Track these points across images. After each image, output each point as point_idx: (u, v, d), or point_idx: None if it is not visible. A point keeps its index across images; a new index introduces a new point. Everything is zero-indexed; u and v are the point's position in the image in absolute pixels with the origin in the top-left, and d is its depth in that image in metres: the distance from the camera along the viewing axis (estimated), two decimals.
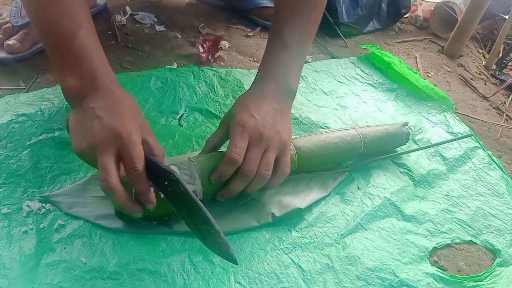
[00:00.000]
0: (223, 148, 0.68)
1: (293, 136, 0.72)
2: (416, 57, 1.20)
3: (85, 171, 0.72)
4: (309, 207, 0.72)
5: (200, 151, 0.71)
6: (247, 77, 0.98)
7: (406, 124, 0.84)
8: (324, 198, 0.74)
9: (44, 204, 0.66)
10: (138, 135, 0.58)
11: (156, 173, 0.58)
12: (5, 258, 0.58)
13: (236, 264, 0.57)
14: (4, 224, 0.62)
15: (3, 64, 0.91)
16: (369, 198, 0.76)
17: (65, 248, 0.60)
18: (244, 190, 0.66)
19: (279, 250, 0.65)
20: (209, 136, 0.71)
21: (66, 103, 0.81)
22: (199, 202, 0.57)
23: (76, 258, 0.60)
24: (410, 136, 0.84)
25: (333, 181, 0.77)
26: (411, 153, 0.85)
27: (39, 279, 0.57)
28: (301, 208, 0.70)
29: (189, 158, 0.68)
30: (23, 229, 0.62)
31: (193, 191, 0.68)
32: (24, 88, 0.88)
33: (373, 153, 0.81)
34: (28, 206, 0.65)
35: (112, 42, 1.05)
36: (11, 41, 0.90)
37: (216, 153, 0.69)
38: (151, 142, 0.61)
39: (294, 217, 0.70)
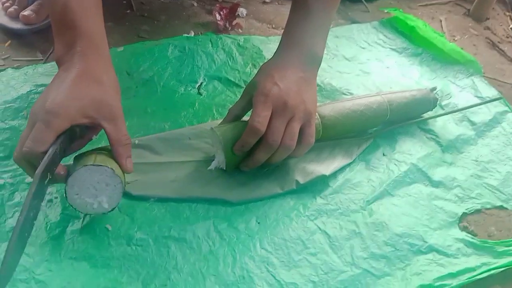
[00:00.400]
0: (246, 118, 0.66)
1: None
2: (441, 21, 1.15)
3: (106, 142, 0.71)
4: (334, 174, 0.71)
5: (221, 121, 0.70)
6: (266, 44, 0.96)
7: (434, 89, 0.81)
8: (348, 165, 0.73)
9: None
10: (60, 119, 0.52)
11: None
12: None
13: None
14: None
15: (19, 36, 0.90)
16: (395, 164, 0.74)
17: (90, 216, 0.60)
18: (268, 160, 0.65)
19: (304, 217, 0.64)
20: (231, 105, 0.69)
21: None
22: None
23: (102, 226, 0.59)
24: (438, 102, 0.81)
25: (357, 148, 0.75)
26: (438, 119, 0.82)
27: (66, 246, 0.57)
28: (326, 175, 0.69)
29: (211, 128, 0.66)
30: (47, 197, 0.62)
31: (217, 161, 0.67)
32: (42, 59, 0.87)
33: (399, 120, 0.79)
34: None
35: (128, 11, 1.03)
36: (26, 12, 0.89)
37: (238, 122, 0.68)
38: (106, 128, 0.56)
39: (318, 184, 0.69)
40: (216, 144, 0.67)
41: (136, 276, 0.55)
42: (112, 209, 0.58)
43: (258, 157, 0.64)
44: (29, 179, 0.64)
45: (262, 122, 0.62)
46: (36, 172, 0.50)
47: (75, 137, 0.57)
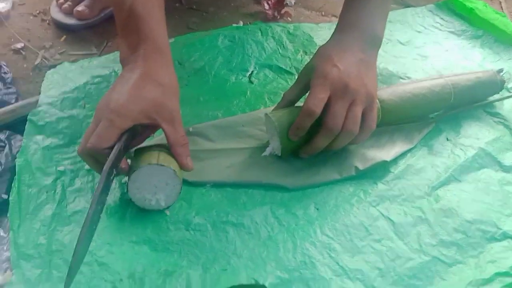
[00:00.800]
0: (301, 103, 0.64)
1: None
2: (500, 2, 1.09)
3: (160, 132, 0.71)
4: (395, 160, 0.67)
5: (274, 107, 0.68)
6: (316, 32, 0.93)
7: (500, 71, 0.76)
8: (409, 150, 0.69)
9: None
10: (124, 118, 0.54)
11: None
12: None
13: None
14: (88, 179, 0.63)
15: (73, 31, 0.92)
16: (461, 149, 0.70)
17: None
18: (328, 147, 0.63)
19: (365, 203, 0.62)
20: (286, 90, 0.67)
21: None
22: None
23: (160, 211, 0.59)
24: (505, 84, 0.76)
25: (418, 133, 0.71)
26: (505, 102, 0.77)
27: (126, 230, 0.57)
28: (387, 161, 0.65)
29: (266, 114, 0.65)
30: None
31: (272, 148, 0.65)
32: (96, 53, 0.88)
33: (463, 103, 0.74)
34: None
35: (177, 4, 1.03)
36: (80, 8, 0.91)
37: (294, 108, 0.66)
38: (166, 129, 0.57)
39: (378, 170, 0.66)
40: (271, 130, 0.65)
41: (195, 260, 0.54)
42: (168, 207, 0.58)
43: (318, 142, 0.61)
44: (88, 165, 0.64)
45: (317, 104, 0.59)
46: (104, 169, 0.51)
47: (136, 134, 0.58)
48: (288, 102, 0.66)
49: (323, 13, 1.03)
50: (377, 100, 0.66)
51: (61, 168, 0.64)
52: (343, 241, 0.57)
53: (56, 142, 0.67)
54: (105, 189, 0.52)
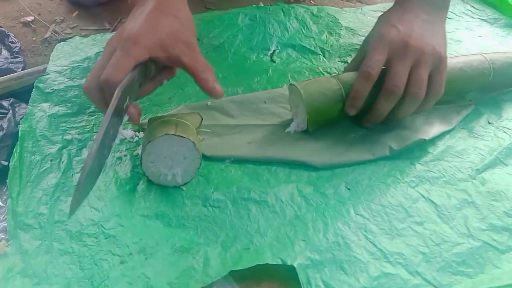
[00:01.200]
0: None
1: None
2: None
3: (177, 103, 0.66)
4: (432, 141, 0.61)
5: None
6: (341, 14, 0.88)
7: None
8: (448, 132, 0.63)
9: (137, 133, 0.60)
10: (140, 48, 0.48)
11: None
12: (99, 181, 0.53)
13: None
14: None
15: (86, 7, 0.88)
16: (505, 132, 0.63)
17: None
18: (392, 115, 0.57)
19: (403, 183, 0.55)
20: (307, 71, 0.62)
21: None
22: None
23: (175, 186, 0.53)
24: None
25: (457, 114, 0.65)
26: None
27: (137, 203, 0.51)
28: (425, 140, 0.59)
29: (290, 83, 0.59)
30: (117, 154, 0.57)
31: (296, 123, 0.59)
32: (109, 28, 0.83)
33: (503, 83, 0.68)
34: (121, 134, 0.59)
35: None
36: None
37: (320, 78, 0.60)
38: (185, 61, 0.51)
39: (415, 151, 0.60)
40: (295, 102, 0.60)
41: (214, 238, 0.48)
42: (185, 184, 0.53)
43: (379, 107, 0.55)
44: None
45: (372, 66, 0.54)
46: (120, 85, 0.45)
47: (149, 75, 0.51)
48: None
49: None
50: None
51: (68, 137, 0.58)
52: (380, 222, 0.50)
53: (63, 110, 0.62)
54: (118, 112, 0.45)
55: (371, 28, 0.61)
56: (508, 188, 0.55)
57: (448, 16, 0.89)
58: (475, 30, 0.87)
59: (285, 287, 0.45)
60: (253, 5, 0.89)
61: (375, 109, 0.56)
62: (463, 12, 0.92)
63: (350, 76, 0.59)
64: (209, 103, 0.65)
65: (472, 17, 0.91)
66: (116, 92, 0.45)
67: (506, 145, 0.61)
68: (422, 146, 0.60)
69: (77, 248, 0.46)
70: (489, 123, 0.65)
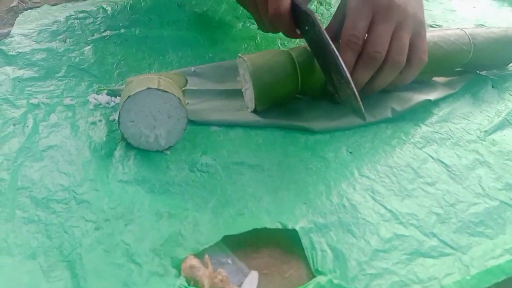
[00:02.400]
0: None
1: None
2: None
3: (157, 70, 0.60)
4: (436, 102, 0.57)
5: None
6: None
7: None
8: (451, 95, 0.58)
9: (113, 98, 0.54)
10: None
11: (299, 17, 0.49)
12: (70, 145, 0.47)
13: (364, 120, 0.47)
14: (67, 115, 0.51)
15: None
16: (511, 95, 0.59)
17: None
18: (371, 84, 0.51)
19: (409, 144, 0.51)
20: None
21: (131, 1, 0.69)
22: (332, 46, 0.45)
23: (157, 150, 0.47)
24: None
25: (458, 79, 0.61)
26: None
27: (114, 168, 0.45)
28: (430, 100, 0.55)
29: (239, 55, 0.52)
30: (91, 119, 0.50)
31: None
32: None
33: (485, 62, 0.62)
34: (95, 99, 0.53)
35: None
36: None
37: (270, 50, 0.54)
38: None
39: (418, 112, 0.55)
40: (243, 76, 0.53)
41: (203, 203, 0.42)
42: (169, 148, 0.47)
43: (357, 76, 0.49)
44: (67, 101, 0.53)
45: (358, 33, 0.48)
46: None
47: None
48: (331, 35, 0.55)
49: None
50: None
51: (34, 101, 0.52)
52: (388, 183, 0.46)
53: (29, 74, 0.55)
54: None
55: None
56: None
57: None
58: (468, 1, 0.84)
59: (287, 253, 0.39)
60: None
61: (353, 76, 0.49)
62: None
63: (303, 49, 0.53)
64: (193, 69, 0.59)
65: None
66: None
67: None
68: (426, 108, 0.56)
69: (43, 215, 0.39)
70: (493, 87, 0.61)
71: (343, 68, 0.45)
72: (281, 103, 0.53)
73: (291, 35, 0.52)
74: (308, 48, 0.52)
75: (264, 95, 0.51)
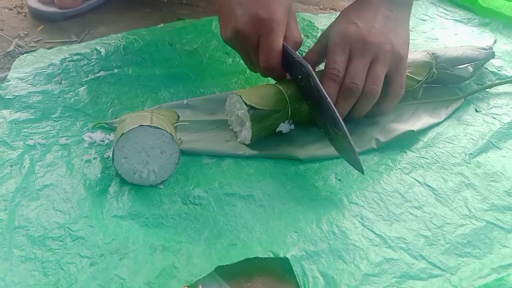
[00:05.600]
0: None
1: None
2: None
3: (150, 107, 0.62)
4: (421, 130, 0.58)
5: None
6: (317, 19, 0.87)
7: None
8: (436, 124, 0.60)
9: (107, 135, 0.55)
10: (283, 25, 0.50)
11: (291, 63, 0.52)
12: (66, 184, 0.48)
13: (363, 173, 0.48)
14: (63, 154, 0.53)
15: (52, 21, 0.84)
16: (494, 118, 0.62)
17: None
18: (350, 113, 0.54)
19: (396, 170, 0.52)
20: (306, 52, 0.59)
21: (124, 42, 0.72)
22: (328, 99, 0.48)
23: (151, 185, 0.48)
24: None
25: (446, 108, 0.62)
26: None
27: (108, 204, 0.46)
28: (414, 131, 0.56)
29: (231, 93, 0.54)
30: (86, 157, 0.52)
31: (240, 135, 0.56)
32: (76, 40, 0.80)
33: (447, 78, 0.65)
34: (90, 137, 0.55)
35: (165, 0, 0.97)
36: None
37: (262, 85, 0.57)
38: (290, 27, 0.53)
39: (403, 140, 0.57)
40: (234, 112, 0.55)
41: (196, 235, 0.43)
42: (162, 182, 0.48)
43: (338, 107, 0.52)
44: (62, 140, 0.54)
45: (338, 68, 0.52)
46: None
47: None
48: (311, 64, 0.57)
49: (320, 6, 0.98)
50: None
51: (30, 142, 0.53)
52: (377, 209, 0.47)
53: (26, 116, 0.57)
54: None
55: None
56: (505, 168, 0.52)
57: (422, 18, 0.90)
58: (451, 29, 0.87)
59: (279, 281, 0.40)
60: None
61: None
62: (437, 14, 0.92)
63: (288, 82, 0.55)
64: (186, 101, 0.61)
65: (446, 18, 0.91)
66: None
67: (496, 129, 0.59)
68: (411, 136, 0.57)
69: (40, 253, 0.40)
70: (476, 111, 0.63)
71: (340, 121, 0.48)
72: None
73: (280, 79, 0.55)
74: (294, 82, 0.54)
75: (261, 130, 0.53)
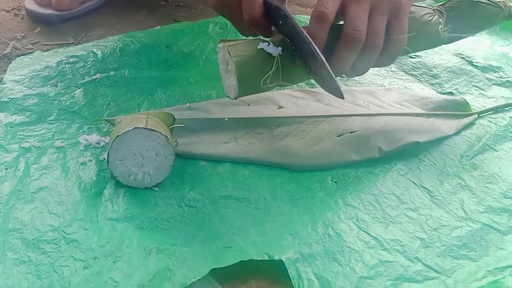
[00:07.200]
0: None
1: None
2: None
3: (146, 110, 0.62)
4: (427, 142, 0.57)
5: None
6: None
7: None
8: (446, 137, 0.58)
9: (103, 138, 0.55)
10: None
11: (272, 13, 0.50)
12: (61, 186, 0.48)
13: (342, 98, 0.47)
14: (58, 156, 0.52)
15: (49, 23, 0.84)
16: (490, 121, 0.61)
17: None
18: (351, 69, 0.51)
19: (392, 172, 0.52)
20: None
21: (121, 45, 0.72)
22: (305, 33, 0.47)
23: (146, 188, 0.48)
24: None
25: (457, 122, 0.60)
26: None
27: (103, 206, 0.46)
28: (419, 142, 0.55)
29: (221, 43, 0.51)
30: (81, 160, 0.52)
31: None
32: (73, 42, 0.80)
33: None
34: (85, 139, 0.55)
35: (163, 3, 0.97)
36: None
37: (251, 39, 0.53)
38: None
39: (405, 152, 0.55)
40: (224, 64, 0.52)
41: (191, 238, 0.43)
42: (157, 184, 0.48)
43: (340, 59, 0.48)
44: (58, 143, 0.54)
45: (326, 5, 0.47)
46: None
47: None
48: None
49: None
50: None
51: (25, 145, 0.53)
52: (372, 211, 0.47)
53: (21, 119, 0.57)
54: None
55: None
56: (501, 170, 0.52)
57: None
58: None
59: (274, 284, 0.40)
60: None
61: (336, 60, 0.49)
62: None
63: (282, 39, 0.52)
64: (188, 105, 0.61)
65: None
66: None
67: (493, 132, 0.59)
68: (416, 148, 0.55)
69: (34, 256, 0.40)
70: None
71: (317, 51, 0.45)
72: (262, 91, 0.53)
73: (268, 35, 0.52)
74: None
75: (248, 84, 0.50)
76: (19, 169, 0.50)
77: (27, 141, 0.54)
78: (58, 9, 0.83)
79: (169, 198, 0.47)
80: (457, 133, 0.58)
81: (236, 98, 0.51)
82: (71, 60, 0.67)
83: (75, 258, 0.40)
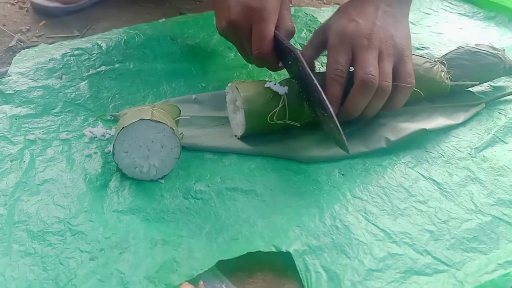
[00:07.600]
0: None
1: None
2: None
3: (151, 102, 0.62)
4: (435, 129, 0.56)
5: None
6: (319, 13, 0.86)
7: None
8: (452, 126, 0.57)
9: (108, 130, 0.55)
10: (274, 13, 0.51)
11: (282, 51, 0.51)
12: (66, 178, 0.48)
13: (348, 152, 0.48)
14: (63, 149, 0.52)
15: (54, 16, 0.84)
16: (500, 113, 0.61)
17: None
18: (364, 114, 0.52)
19: (400, 164, 0.51)
20: (303, 46, 0.58)
21: (126, 37, 0.72)
22: (316, 82, 0.47)
23: (152, 180, 0.48)
24: None
25: (465, 112, 0.59)
26: None
27: (109, 198, 0.45)
28: (426, 130, 0.54)
29: (230, 83, 0.54)
30: (86, 152, 0.51)
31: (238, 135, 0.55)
32: (78, 35, 0.79)
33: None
34: (90, 132, 0.54)
35: None
36: None
37: (259, 80, 0.56)
38: (282, 16, 0.52)
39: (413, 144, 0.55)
40: (233, 101, 0.54)
41: (198, 230, 0.43)
42: (163, 177, 0.47)
43: (354, 103, 0.50)
44: (63, 135, 0.54)
45: (341, 68, 0.50)
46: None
47: None
48: (307, 59, 0.56)
49: (324, 1, 0.97)
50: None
51: (30, 137, 0.53)
52: (381, 203, 0.46)
53: (26, 111, 0.57)
54: None
55: None
56: (511, 162, 0.51)
57: (426, 12, 0.89)
58: (455, 23, 0.86)
59: (281, 277, 0.40)
60: None
61: (349, 105, 0.51)
62: (441, 8, 0.91)
63: (290, 80, 0.54)
64: (194, 96, 0.61)
65: (451, 12, 0.90)
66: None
67: (502, 124, 0.58)
68: (424, 136, 0.55)
69: (39, 248, 0.40)
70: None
71: (326, 103, 0.47)
72: (269, 131, 0.54)
73: (274, 69, 0.55)
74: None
75: (255, 120, 0.51)
76: (24, 161, 0.49)
77: (32, 133, 0.53)
78: (63, 2, 0.83)
79: (175, 190, 0.47)
80: (464, 123, 0.57)
81: (242, 136, 0.53)
82: (76, 52, 0.67)
83: (81, 249, 0.39)
